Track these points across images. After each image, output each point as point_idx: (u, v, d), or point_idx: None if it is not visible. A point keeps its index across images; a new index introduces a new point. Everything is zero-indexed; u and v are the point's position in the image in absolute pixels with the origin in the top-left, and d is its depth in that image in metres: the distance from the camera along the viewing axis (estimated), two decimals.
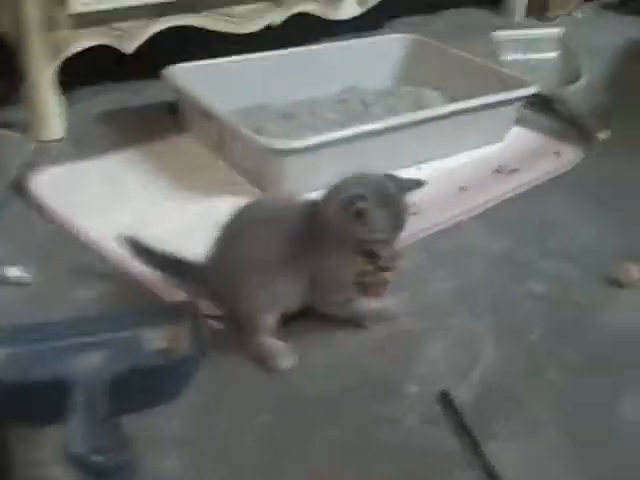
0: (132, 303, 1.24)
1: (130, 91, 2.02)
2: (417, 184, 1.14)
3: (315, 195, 1.16)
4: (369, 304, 1.21)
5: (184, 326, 1.15)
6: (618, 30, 2.74)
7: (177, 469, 0.97)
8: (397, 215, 1.09)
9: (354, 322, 1.21)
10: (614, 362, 1.21)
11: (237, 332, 1.17)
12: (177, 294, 1.24)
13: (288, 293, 1.14)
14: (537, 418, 1.09)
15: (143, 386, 1.03)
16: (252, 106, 1.86)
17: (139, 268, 1.27)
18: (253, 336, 1.15)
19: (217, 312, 1.21)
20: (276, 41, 1.96)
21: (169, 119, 1.86)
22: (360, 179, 1.11)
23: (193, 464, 0.98)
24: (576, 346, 1.23)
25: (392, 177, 1.14)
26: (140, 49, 1.81)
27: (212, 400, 1.09)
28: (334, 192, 1.11)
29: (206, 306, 1.20)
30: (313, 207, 1.14)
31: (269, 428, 1.04)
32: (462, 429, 1.05)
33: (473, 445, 1.03)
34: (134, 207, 1.51)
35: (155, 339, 1.14)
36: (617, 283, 1.37)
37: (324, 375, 1.14)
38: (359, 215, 1.06)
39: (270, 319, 1.14)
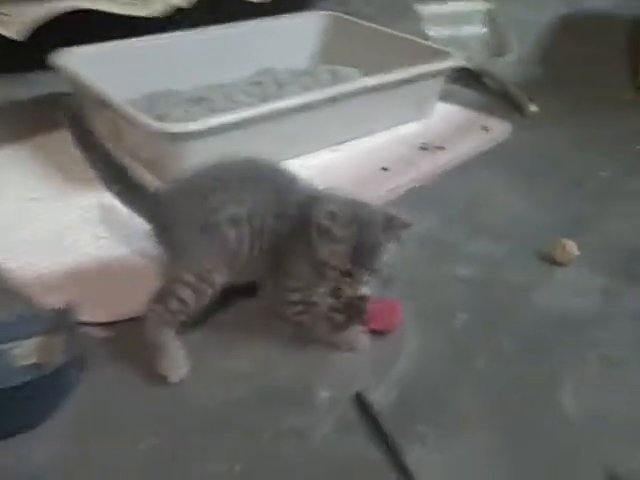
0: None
1: (21, 83, 1.85)
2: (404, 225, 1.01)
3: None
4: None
5: (59, 337, 1.01)
6: (546, 6, 2.66)
7: None
8: (366, 252, 0.98)
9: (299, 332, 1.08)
10: (550, 346, 1.09)
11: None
12: (53, 299, 1.08)
13: (244, 265, 1.02)
14: (466, 415, 0.96)
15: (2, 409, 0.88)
16: (158, 92, 1.71)
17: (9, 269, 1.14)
18: (167, 299, 1.00)
19: (98, 319, 1.05)
20: (187, 26, 1.81)
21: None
22: (346, 201, 1.00)
23: None
24: (507, 331, 1.11)
25: (386, 214, 1.01)
26: (37, 38, 1.64)
27: (89, 421, 0.93)
28: (316, 199, 1.01)
29: (87, 312, 1.05)
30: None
31: (153, 454, 0.89)
32: (380, 435, 0.91)
33: (393, 453, 0.89)
34: (7, 207, 1.36)
35: (23, 353, 1.00)
36: (552, 261, 1.26)
37: (222, 385, 1.00)
38: (323, 232, 0.97)
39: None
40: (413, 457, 0.89)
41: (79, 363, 0.98)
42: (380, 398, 0.97)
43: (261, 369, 1.02)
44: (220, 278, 1.02)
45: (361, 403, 0.96)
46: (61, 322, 1.02)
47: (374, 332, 1.08)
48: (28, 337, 1.01)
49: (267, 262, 1.04)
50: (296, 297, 1.04)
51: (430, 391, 1.00)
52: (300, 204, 1.02)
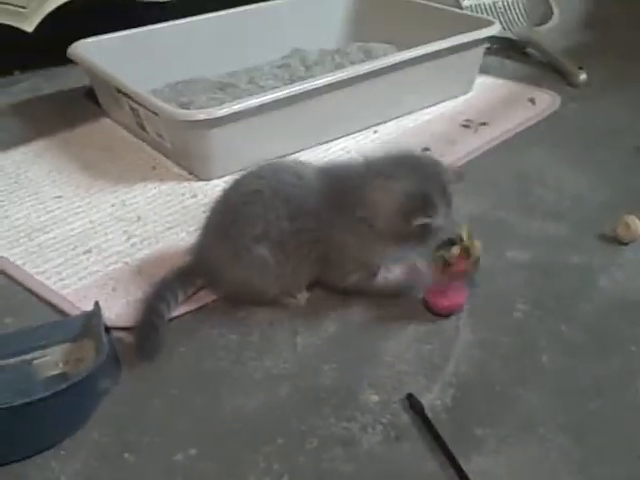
0: (25, 321, 1.01)
1: (46, 78, 1.78)
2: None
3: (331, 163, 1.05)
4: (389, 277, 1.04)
5: (88, 343, 0.95)
6: None
7: None
8: (450, 204, 0.98)
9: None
10: (622, 336, 0.98)
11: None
12: (82, 304, 1.02)
13: (294, 273, 1.00)
14: (531, 416, 0.86)
15: (27, 425, 0.82)
16: (183, 80, 1.64)
17: (34, 276, 1.08)
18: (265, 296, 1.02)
19: (128, 323, 0.97)
20: (204, 8, 1.72)
21: (87, 105, 1.61)
22: (413, 164, 0.99)
23: None
24: (573, 321, 1.00)
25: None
26: (55, 31, 1.57)
27: (121, 433, 0.85)
28: (384, 178, 0.96)
29: (115, 317, 0.99)
30: (336, 179, 1.00)
31: (192, 467, 0.81)
32: (437, 443, 0.82)
33: (450, 461, 0.79)
34: (30, 206, 1.28)
35: (48, 363, 0.93)
36: (616, 240, 1.15)
37: (262, 388, 0.91)
38: (424, 228, 0.95)
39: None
40: (473, 465, 0.79)
41: (110, 371, 0.91)
42: (434, 400, 0.88)
43: (303, 370, 0.93)
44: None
45: (413, 406, 0.87)
46: (90, 327, 0.95)
47: (440, 311, 1.01)
48: (54, 345, 0.95)
49: (312, 261, 1.00)
50: (354, 278, 1.00)
51: (489, 390, 0.90)
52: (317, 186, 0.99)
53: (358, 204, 0.97)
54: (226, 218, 1.00)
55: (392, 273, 1.04)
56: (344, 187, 0.98)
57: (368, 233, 0.97)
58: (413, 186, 0.95)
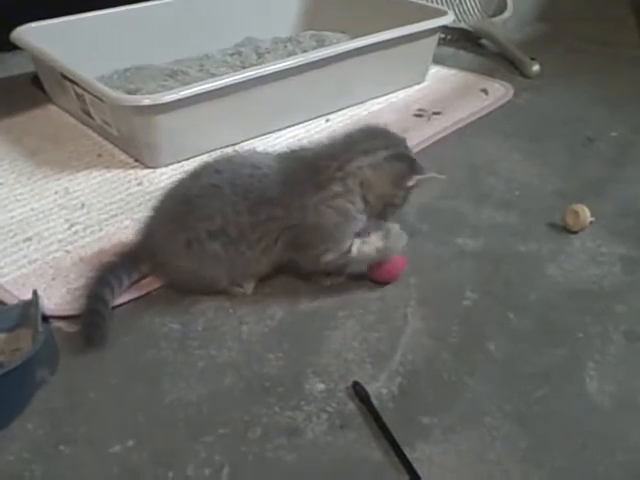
0: None
1: None
2: None
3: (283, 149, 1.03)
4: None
5: (25, 332, 0.91)
6: None
7: None
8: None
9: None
10: (569, 324, 0.98)
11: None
12: (21, 292, 0.98)
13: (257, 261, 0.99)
14: (478, 404, 0.85)
15: None
16: (132, 67, 1.60)
17: None
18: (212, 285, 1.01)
19: (70, 311, 0.95)
20: None
21: (32, 92, 1.57)
22: (383, 134, 1.02)
23: None
24: (521, 309, 1.00)
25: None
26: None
27: (57, 423, 0.82)
28: (364, 151, 0.97)
29: (55, 306, 0.96)
30: (302, 162, 0.99)
31: (128, 458, 0.78)
32: (381, 430, 0.80)
33: (395, 450, 0.78)
34: None
35: None
36: (565, 228, 1.15)
37: (205, 378, 0.89)
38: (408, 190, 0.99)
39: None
40: (418, 453, 0.78)
41: (47, 360, 0.88)
42: (380, 388, 0.87)
43: (248, 358, 0.91)
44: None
45: (358, 394, 0.85)
46: (27, 317, 0.92)
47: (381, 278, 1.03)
48: None
49: (280, 248, 0.98)
50: (330, 257, 0.98)
51: (436, 379, 0.89)
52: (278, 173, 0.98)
53: (334, 181, 0.95)
54: (181, 208, 0.98)
55: (366, 245, 1.01)
56: (315, 168, 0.97)
57: (346, 208, 0.96)
58: (397, 152, 0.98)
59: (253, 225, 0.96)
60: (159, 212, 1.01)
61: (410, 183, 0.98)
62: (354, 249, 0.99)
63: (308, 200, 0.95)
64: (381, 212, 1.00)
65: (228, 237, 0.95)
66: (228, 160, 1.02)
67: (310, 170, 0.97)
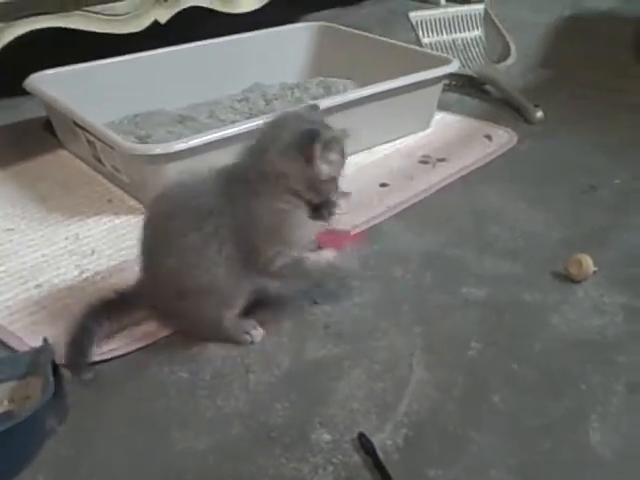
0: None
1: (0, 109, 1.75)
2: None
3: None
4: (320, 259, 1.04)
5: (35, 380, 0.92)
6: (544, 7, 2.61)
7: None
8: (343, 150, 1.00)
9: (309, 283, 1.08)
10: (573, 375, 0.98)
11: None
12: (31, 340, 0.99)
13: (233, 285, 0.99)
14: (484, 457, 0.86)
15: None
16: (141, 113, 1.63)
17: None
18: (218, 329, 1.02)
19: (84, 360, 0.96)
20: (165, 42, 1.71)
21: (44, 137, 1.60)
22: (294, 119, 1.01)
23: None
24: (526, 359, 1.01)
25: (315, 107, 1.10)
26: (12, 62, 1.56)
27: (65, 477, 0.83)
28: (272, 138, 0.98)
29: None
30: (232, 172, 0.99)
31: None
32: None
33: None
34: None
35: None
36: (568, 278, 1.16)
37: (211, 428, 0.89)
38: (325, 150, 0.96)
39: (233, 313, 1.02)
40: None
41: (56, 410, 0.89)
42: (385, 440, 0.87)
43: (255, 408, 0.92)
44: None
45: (364, 446, 0.86)
46: (38, 364, 0.93)
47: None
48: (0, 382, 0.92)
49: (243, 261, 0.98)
50: (281, 261, 0.98)
51: (441, 431, 0.89)
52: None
53: (257, 184, 0.96)
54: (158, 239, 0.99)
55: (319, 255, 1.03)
56: (243, 174, 0.97)
57: (277, 208, 0.96)
58: (298, 132, 0.96)
59: (205, 240, 0.95)
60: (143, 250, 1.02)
61: (316, 153, 0.94)
62: (311, 256, 1.01)
63: (245, 212, 0.96)
64: (322, 203, 1.00)
65: (189, 265, 0.96)
66: (178, 184, 1.02)
67: (238, 181, 0.97)
